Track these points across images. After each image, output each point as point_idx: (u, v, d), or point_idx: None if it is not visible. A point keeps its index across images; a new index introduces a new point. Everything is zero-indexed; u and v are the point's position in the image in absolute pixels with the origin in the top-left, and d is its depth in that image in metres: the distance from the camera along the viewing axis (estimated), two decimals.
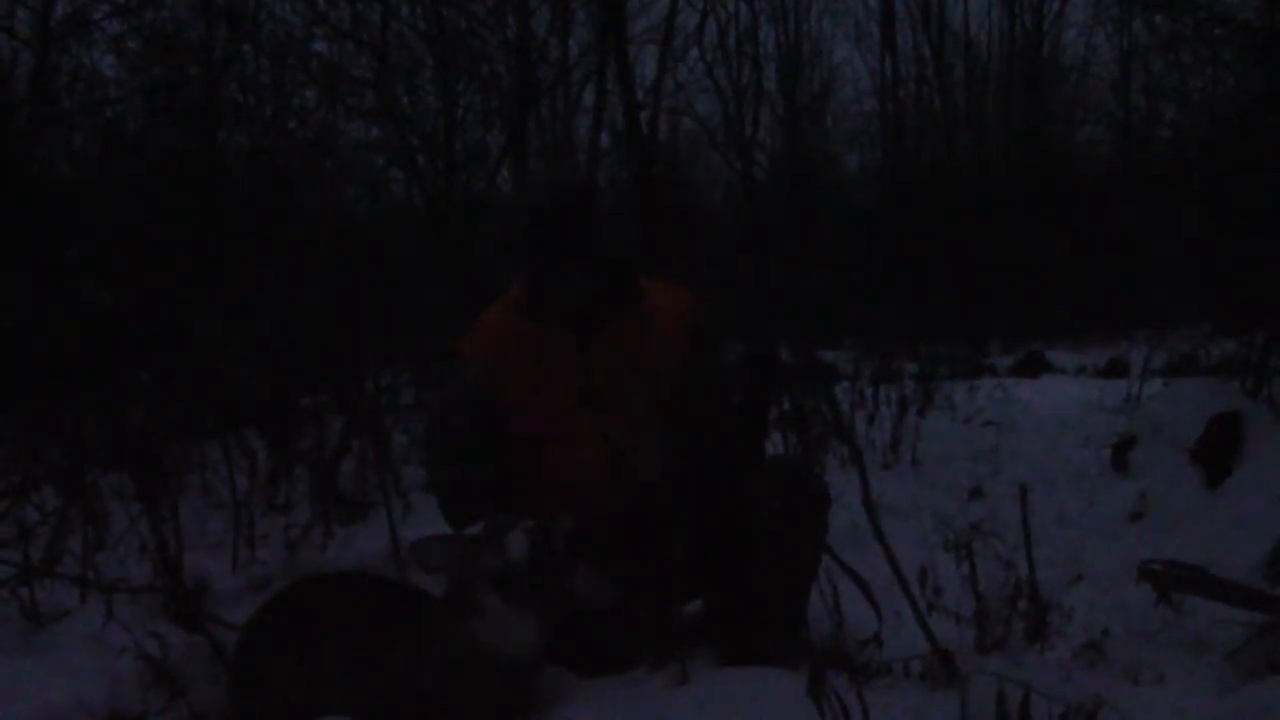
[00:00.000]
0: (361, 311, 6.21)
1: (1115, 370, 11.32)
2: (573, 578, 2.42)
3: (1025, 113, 21.75)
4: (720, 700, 2.26)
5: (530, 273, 2.71)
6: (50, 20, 7.55)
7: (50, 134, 7.39)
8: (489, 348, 2.76)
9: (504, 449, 2.71)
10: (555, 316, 2.70)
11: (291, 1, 10.13)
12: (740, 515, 2.59)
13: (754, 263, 17.66)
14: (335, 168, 10.52)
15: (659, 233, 13.08)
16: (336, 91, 10.26)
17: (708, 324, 2.81)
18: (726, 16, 22.03)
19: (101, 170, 6.91)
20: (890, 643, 2.61)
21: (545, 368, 2.70)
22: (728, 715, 2.20)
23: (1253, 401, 4.86)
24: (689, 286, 2.90)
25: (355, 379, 5.07)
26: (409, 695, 2.31)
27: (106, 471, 3.99)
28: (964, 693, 2.16)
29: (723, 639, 2.61)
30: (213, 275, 5.93)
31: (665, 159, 19.81)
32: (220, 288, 5.78)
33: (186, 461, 4.70)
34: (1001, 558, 2.81)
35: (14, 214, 5.77)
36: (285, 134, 9.27)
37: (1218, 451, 4.41)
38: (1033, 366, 13.12)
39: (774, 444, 4.98)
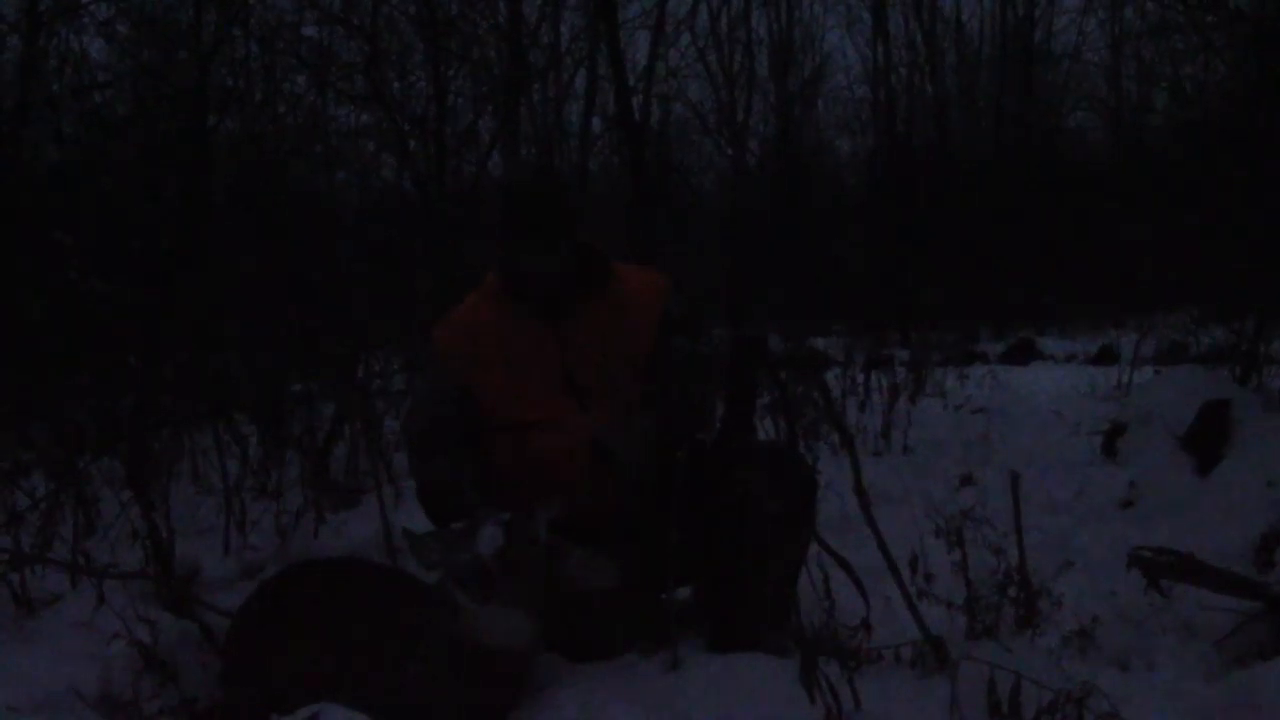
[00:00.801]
0: (352, 297, 6.19)
1: (1106, 357, 11.37)
2: (564, 563, 2.42)
3: (1017, 99, 21.74)
4: (711, 686, 2.26)
5: (504, 253, 2.72)
6: (39, 4, 7.50)
7: (39, 118, 7.35)
8: (464, 337, 2.76)
9: (485, 438, 2.72)
10: (528, 300, 2.71)
11: None
12: (729, 501, 2.60)
13: (744, 248, 17.67)
14: (325, 152, 10.49)
15: (650, 218, 13.06)
16: (327, 76, 10.22)
17: (680, 306, 2.81)
18: (719, 2, 22.02)
19: (90, 154, 6.87)
20: (881, 629, 2.61)
21: (523, 355, 2.71)
22: (718, 701, 2.21)
23: (1242, 389, 4.88)
24: (666, 270, 2.91)
25: (347, 365, 5.06)
26: (399, 681, 2.31)
27: (97, 457, 3.98)
28: (954, 679, 2.16)
29: (713, 625, 2.62)
30: (202, 260, 5.90)
31: (656, 144, 19.76)
32: (210, 273, 5.76)
33: (177, 448, 4.69)
34: (992, 545, 2.81)
35: (2, 199, 5.74)
36: (275, 119, 9.24)
37: (1208, 439, 4.43)
38: (1023, 354, 13.16)
39: (764, 430, 4.99)
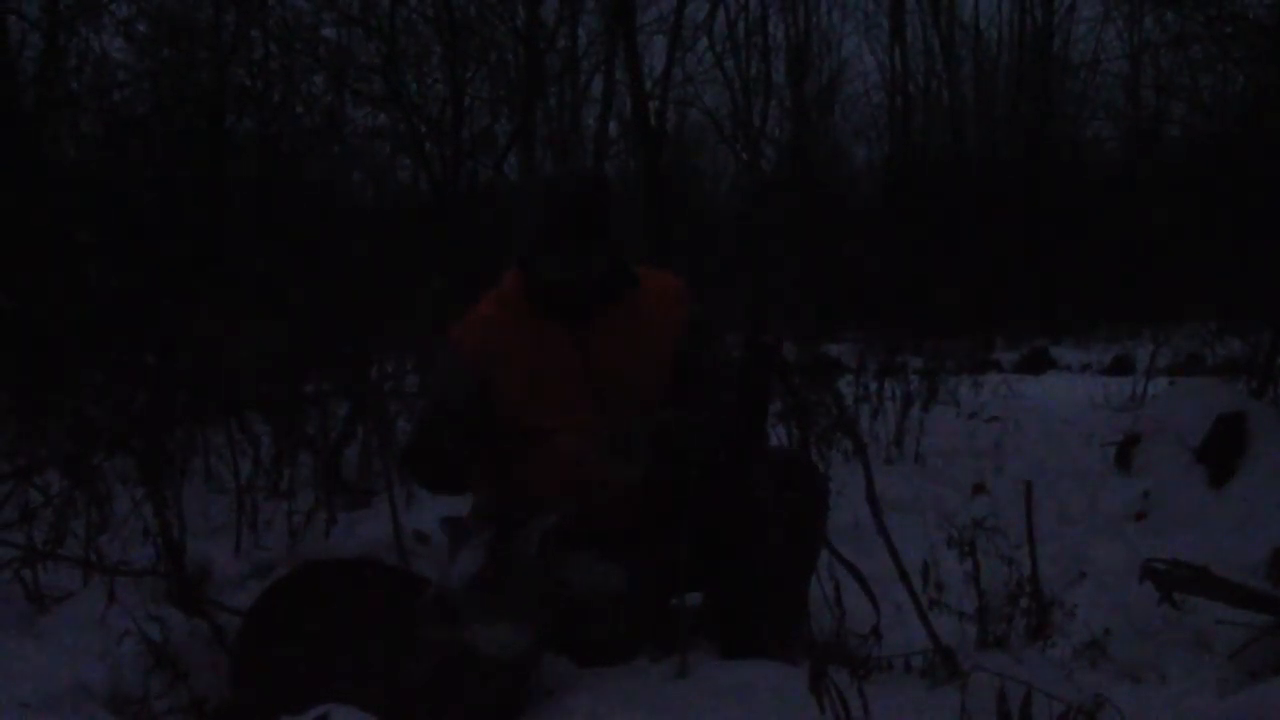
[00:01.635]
0: (367, 297, 6.20)
1: (1120, 368, 11.32)
2: (566, 570, 2.42)
3: (1034, 108, 21.68)
4: (719, 693, 2.26)
5: (536, 258, 2.64)
6: (59, 3, 7.54)
7: (58, 117, 7.38)
8: (484, 338, 2.72)
9: (500, 440, 2.70)
10: (553, 303, 2.67)
11: None
12: (741, 507, 2.59)
13: (759, 255, 17.66)
14: (342, 154, 10.52)
15: (665, 223, 13.07)
16: (344, 77, 10.26)
17: (699, 310, 2.80)
18: (736, 8, 22.03)
19: (109, 154, 6.90)
20: (891, 638, 2.60)
21: (543, 359, 2.68)
22: (727, 708, 2.20)
23: (1258, 401, 4.85)
24: (682, 275, 2.89)
25: (360, 365, 5.06)
26: (407, 684, 2.31)
27: (110, 455, 3.99)
28: (965, 689, 2.16)
29: (723, 632, 2.62)
30: (219, 260, 5.93)
31: (672, 150, 19.76)
32: (227, 272, 5.78)
33: (190, 446, 4.70)
34: (1004, 555, 2.80)
35: (22, 197, 5.77)
36: (293, 119, 9.27)
37: (1222, 451, 4.40)
38: (1038, 363, 13.12)
39: (777, 437, 4.98)
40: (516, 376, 2.67)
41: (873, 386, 7.08)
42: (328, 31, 10.60)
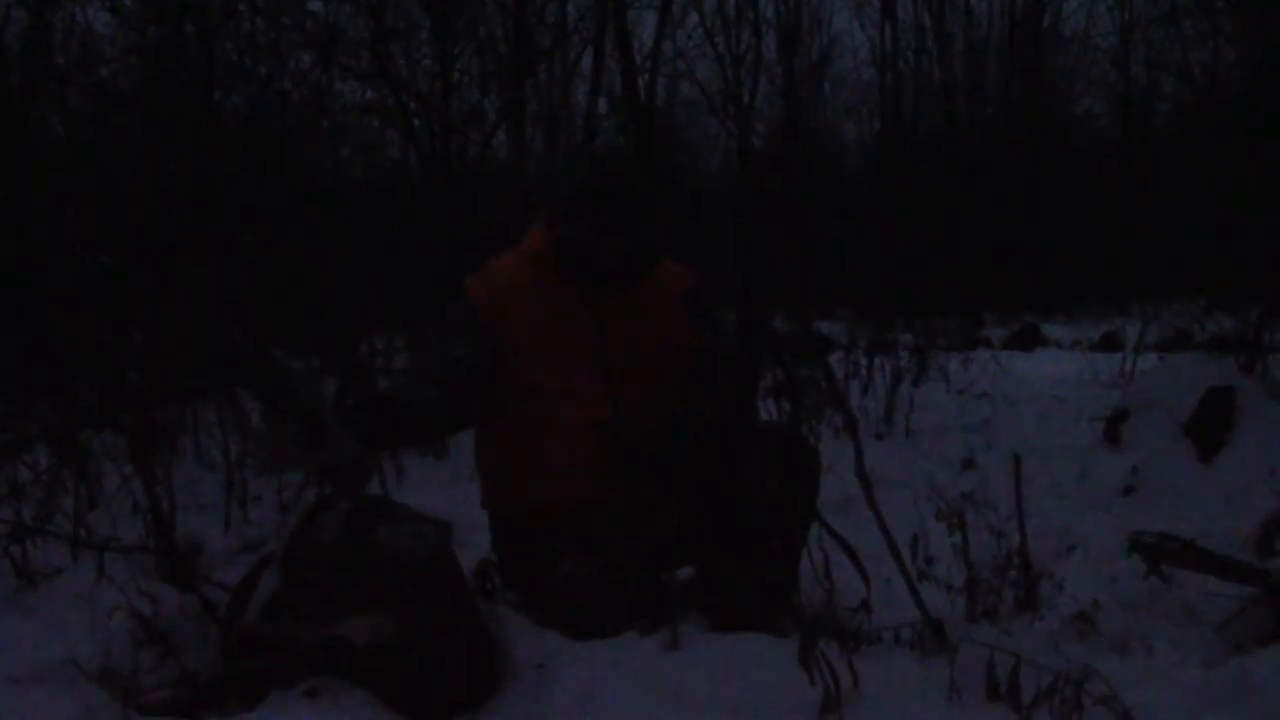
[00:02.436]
0: (356, 274, 6.19)
1: (1109, 344, 11.35)
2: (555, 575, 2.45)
3: (1025, 84, 21.66)
4: (710, 666, 2.26)
5: (578, 225, 2.68)
6: None
7: (45, 93, 7.33)
8: (500, 291, 2.73)
9: (500, 399, 2.71)
10: (583, 266, 2.70)
11: None
12: (732, 482, 2.60)
13: (750, 230, 17.63)
14: (330, 129, 10.47)
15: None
16: (332, 52, 10.19)
17: (707, 297, 2.83)
18: None
19: (96, 130, 6.86)
20: (881, 611, 2.61)
21: (558, 322, 2.70)
22: (718, 681, 2.21)
23: (1246, 376, 4.87)
24: (686, 258, 2.93)
25: (349, 341, 5.06)
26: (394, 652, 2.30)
27: (100, 431, 3.99)
28: (954, 661, 2.17)
29: (714, 605, 2.62)
30: (208, 236, 5.90)
31: (662, 125, 19.70)
32: (215, 248, 5.75)
33: (180, 422, 4.70)
34: (993, 528, 2.82)
35: (8, 174, 5.73)
36: (281, 95, 9.22)
37: (1210, 426, 4.43)
38: (1027, 339, 13.15)
39: (767, 412, 4.99)
40: (528, 332, 2.69)
41: (863, 362, 7.10)
42: (315, 6, 10.54)
